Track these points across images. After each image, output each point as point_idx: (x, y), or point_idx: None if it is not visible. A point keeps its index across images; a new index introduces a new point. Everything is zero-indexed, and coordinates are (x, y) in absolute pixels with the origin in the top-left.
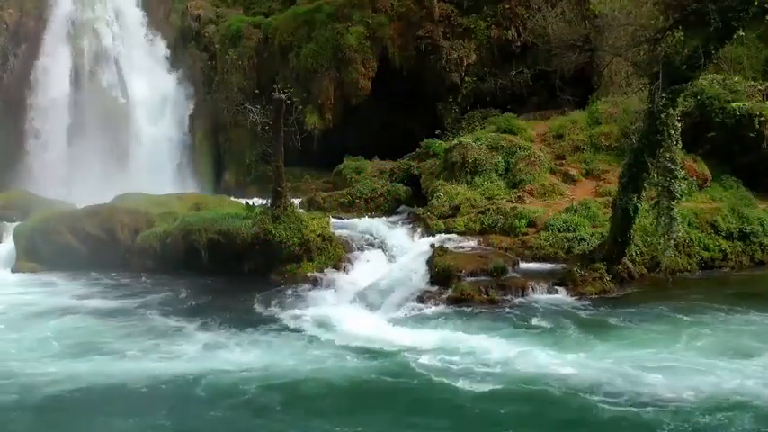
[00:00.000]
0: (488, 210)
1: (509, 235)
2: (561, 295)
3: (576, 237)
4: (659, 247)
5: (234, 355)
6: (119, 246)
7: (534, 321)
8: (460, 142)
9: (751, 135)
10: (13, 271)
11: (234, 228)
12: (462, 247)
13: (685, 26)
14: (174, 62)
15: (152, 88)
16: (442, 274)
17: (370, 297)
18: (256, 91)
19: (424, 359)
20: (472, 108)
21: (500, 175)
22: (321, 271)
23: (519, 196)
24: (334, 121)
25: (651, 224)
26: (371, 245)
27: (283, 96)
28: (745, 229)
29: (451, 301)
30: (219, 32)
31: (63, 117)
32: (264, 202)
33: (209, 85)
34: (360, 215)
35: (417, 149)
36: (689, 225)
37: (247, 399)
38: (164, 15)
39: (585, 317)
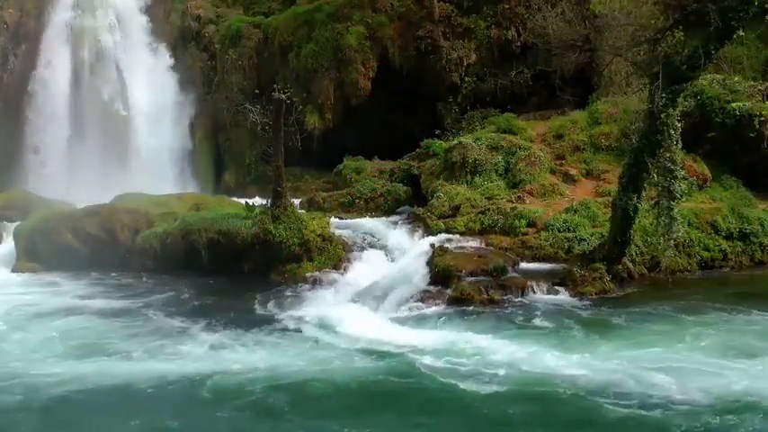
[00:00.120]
0: (488, 210)
1: (509, 235)
2: (561, 295)
3: (576, 237)
4: (659, 247)
5: (239, 355)
6: (119, 246)
7: (536, 322)
8: (460, 142)
9: (751, 135)
10: (12, 271)
11: (234, 228)
12: (462, 247)
13: (685, 26)
14: (175, 63)
15: (154, 100)
16: (442, 274)
17: (371, 297)
18: (256, 91)
19: (430, 360)
20: (472, 108)
21: (500, 175)
22: (321, 271)
23: (519, 196)
24: (334, 121)
25: (651, 224)
26: (371, 245)
27: (283, 96)
28: (745, 229)
29: (452, 301)
30: (219, 32)
31: (63, 129)
32: (264, 202)
33: (209, 85)
34: (360, 215)
35: (417, 149)
36: (689, 225)
37: (254, 399)
38: (164, 15)
39: (587, 317)
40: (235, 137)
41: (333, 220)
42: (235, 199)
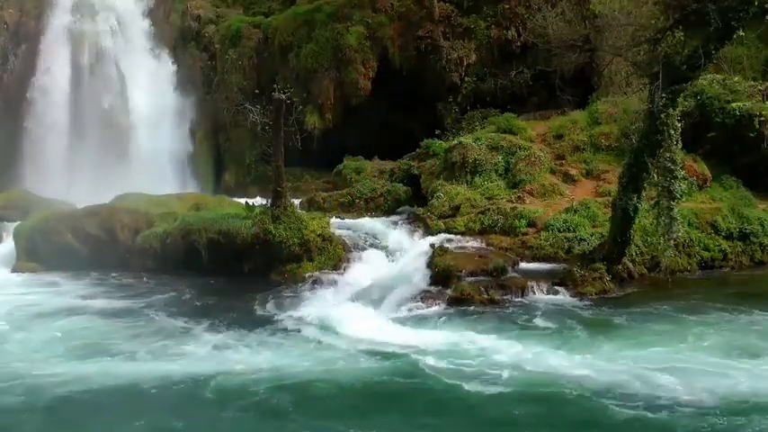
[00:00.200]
0: (488, 210)
1: (509, 235)
2: (561, 295)
3: (575, 237)
4: (659, 247)
5: (243, 355)
6: (119, 246)
7: (538, 322)
8: (460, 142)
9: (751, 135)
10: (12, 271)
11: (234, 228)
12: (462, 247)
13: (685, 26)
14: (176, 66)
15: (155, 104)
16: (442, 274)
17: (371, 297)
18: (256, 91)
19: (433, 360)
20: (472, 108)
21: (500, 175)
22: (321, 271)
23: (519, 196)
24: (334, 121)
25: (651, 224)
26: (372, 245)
27: (283, 96)
28: (745, 229)
29: (452, 302)
30: (219, 32)
31: (62, 134)
32: (264, 202)
33: (209, 86)
34: (360, 215)
35: (417, 149)
36: (689, 225)
37: (259, 400)
38: (164, 15)
39: (588, 317)
40: (235, 137)
41: (333, 220)
42: (235, 199)
